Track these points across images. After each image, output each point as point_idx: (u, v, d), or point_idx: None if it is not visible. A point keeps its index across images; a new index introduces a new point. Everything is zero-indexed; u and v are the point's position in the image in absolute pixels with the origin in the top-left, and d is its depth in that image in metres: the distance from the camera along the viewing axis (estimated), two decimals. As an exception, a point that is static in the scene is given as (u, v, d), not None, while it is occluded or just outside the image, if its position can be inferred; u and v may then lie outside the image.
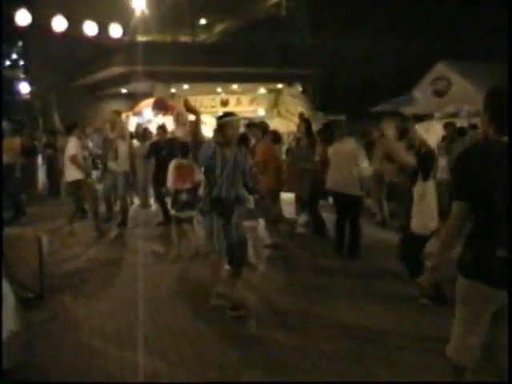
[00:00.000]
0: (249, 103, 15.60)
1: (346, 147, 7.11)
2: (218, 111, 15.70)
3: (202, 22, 25.82)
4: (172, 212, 8.02)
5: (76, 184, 8.74)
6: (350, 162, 6.97)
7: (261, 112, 15.80)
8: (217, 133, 5.21)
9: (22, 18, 12.59)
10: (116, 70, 18.87)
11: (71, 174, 8.69)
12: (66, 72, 21.13)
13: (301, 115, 11.27)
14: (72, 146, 8.69)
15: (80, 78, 21.44)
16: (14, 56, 39.82)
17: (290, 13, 22.71)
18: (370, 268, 6.73)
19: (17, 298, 3.77)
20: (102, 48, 19.41)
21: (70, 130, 9.02)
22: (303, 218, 9.16)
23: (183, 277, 6.58)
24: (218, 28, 25.36)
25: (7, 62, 47.75)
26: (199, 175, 7.04)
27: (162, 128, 10.67)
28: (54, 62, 21.09)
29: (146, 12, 20.06)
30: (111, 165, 9.75)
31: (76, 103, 20.67)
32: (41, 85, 22.49)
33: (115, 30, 15.64)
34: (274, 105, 15.28)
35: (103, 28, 15.38)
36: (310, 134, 8.76)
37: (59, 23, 13.48)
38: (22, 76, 29.82)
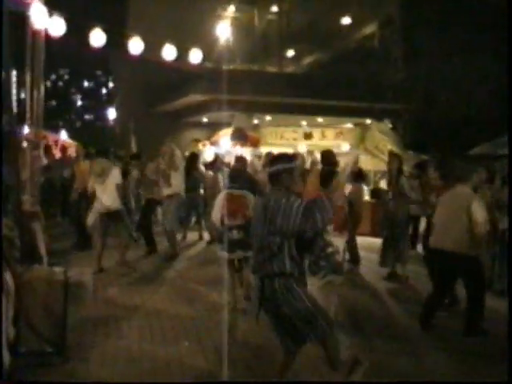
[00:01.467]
0: (334, 137, 14.28)
1: (457, 194, 5.63)
2: (300, 144, 14.55)
3: (290, 53, 24.91)
4: (219, 252, 6.74)
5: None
6: (460, 214, 5.46)
7: (345, 147, 14.43)
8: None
9: (98, 38, 11.97)
10: (196, 97, 18.16)
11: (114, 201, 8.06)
12: (146, 98, 20.70)
13: (391, 152, 9.94)
14: (116, 174, 8.14)
15: (160, 104, 20.95)
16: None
17: (383, 43, 21.44)
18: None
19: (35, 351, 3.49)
20: (184, 75, 18.85)
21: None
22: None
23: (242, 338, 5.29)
24: (307, 60, 24.38)
25: (103, 90, 49.44)
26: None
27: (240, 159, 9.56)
28: (135, 87, 20.78)
29: (231, 40, 19.50)
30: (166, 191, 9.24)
31: (155, 131, 20.12)
32: (122, 111, 22.27)
33: (195, 56, 14.90)
34: (361, 140, 13.89)
35: (183, 53, 14.69)
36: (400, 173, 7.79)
37: (136, 46, 12.76)
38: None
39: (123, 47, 14.25)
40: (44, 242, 6.72)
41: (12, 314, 3.70)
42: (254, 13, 23.33)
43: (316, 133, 14.53)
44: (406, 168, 8.50)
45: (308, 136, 14.62)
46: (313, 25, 21.61)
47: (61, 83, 48.73)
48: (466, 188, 5.62)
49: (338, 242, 5.41)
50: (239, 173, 6.95)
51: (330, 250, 5.15)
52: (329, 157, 7.59)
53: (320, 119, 16.94)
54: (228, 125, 17.95)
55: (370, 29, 22.68)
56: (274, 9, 23.57)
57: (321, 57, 22.82)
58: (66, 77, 48.91)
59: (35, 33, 7.48)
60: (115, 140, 23.69)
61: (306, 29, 22.60)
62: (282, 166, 3.76)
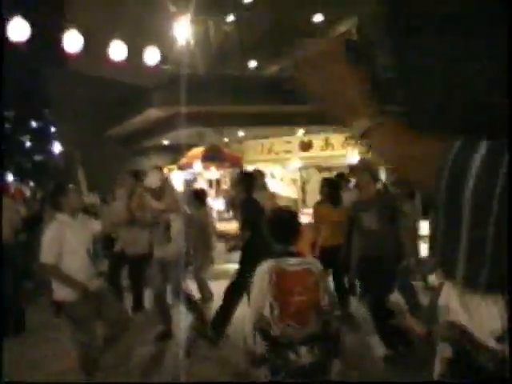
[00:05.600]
0: (342, 145, 10.85)
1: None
2: (295, 158, 11.23)
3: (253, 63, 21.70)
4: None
5: None
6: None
7: (355, 157, 11.16)
8: None
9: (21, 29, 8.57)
10: (153, 113, 14.67)
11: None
12: (93, 121, 16.97)
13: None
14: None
15: (111, 127, 17.29)
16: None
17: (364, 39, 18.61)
18: None
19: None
20: (137, 89, 15.41)
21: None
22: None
23: None
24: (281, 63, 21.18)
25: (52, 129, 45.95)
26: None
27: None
28: (78, 109, 17.11)
29: (191, 43, 16.18)
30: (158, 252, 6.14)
31: (106, 159, 16.47)
32: (65, 140, 18.57)
33: (152, 56, 11.59)
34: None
35: (135, 52, 11.34)
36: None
37: (73, 41, 9.34)
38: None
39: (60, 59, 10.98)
40: None
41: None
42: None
43: (317, 141, 11.12)
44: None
45: (306, 146, 11.25)
46: (283, 24, 18.55)
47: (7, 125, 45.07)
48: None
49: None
50: (289, 221, 3.56)
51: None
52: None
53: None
54: (196, 146, 14.54)
55: (346, 25, 19.85)
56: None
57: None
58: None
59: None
60: (61, 176, 20.07)
61: (275, 30, 19.60)
62: None
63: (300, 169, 11.71)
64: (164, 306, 6.25)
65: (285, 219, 3.49)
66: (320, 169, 13.22)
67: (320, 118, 12.04)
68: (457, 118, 16.10)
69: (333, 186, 6.91)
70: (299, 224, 3.54)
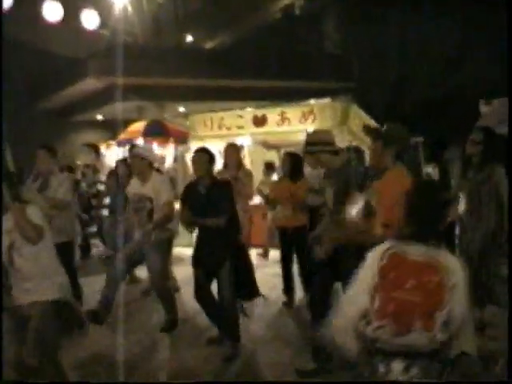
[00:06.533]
0: (300, 120, 10.06)
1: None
2: (248, 133, 10.47)
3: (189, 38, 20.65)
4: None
5: None
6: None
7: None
8: None
9: None
10: (89, 83, 13.56)
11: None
12: (22, 93, 15.57)
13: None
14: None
15: (43, 100, 15.95)
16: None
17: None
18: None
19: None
20: (71, 57, 14.22)
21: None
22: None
23: None
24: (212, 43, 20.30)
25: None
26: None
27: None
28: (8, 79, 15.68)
29: (130, 10, 15.09)
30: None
31: (35, 135, 15.16)
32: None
33: (89, 19, 10.58)
34: (343, 120, 9.67)
35: (71, 14, 10.29)
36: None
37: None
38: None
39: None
40: None
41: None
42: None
43: (272, 115, 10.28)
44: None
45: (260, 121, 10.47)
46: None
47: None
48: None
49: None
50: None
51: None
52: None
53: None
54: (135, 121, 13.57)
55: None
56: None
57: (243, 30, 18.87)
58: None
59: None
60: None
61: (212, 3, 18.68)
62: None
63: (248, 146, 11.01)
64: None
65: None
66: (268, 146, 12.61)
67: (269, 93, 11.43)
68: (410, 97, 15.94)
69: (295, 161, 6.35)
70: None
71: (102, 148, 12.54)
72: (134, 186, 5.68)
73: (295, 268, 6.57)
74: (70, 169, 9.87)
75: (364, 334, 2.42)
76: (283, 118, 10.10)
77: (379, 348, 2.39)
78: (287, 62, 14.97)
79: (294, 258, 6.52)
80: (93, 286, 6.24)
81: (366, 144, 8.83)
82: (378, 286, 2.46)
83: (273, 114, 10.24)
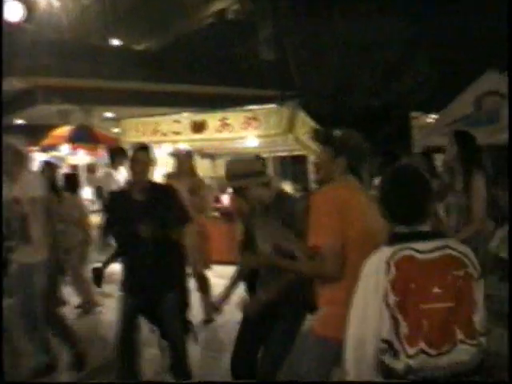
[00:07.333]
0: (242, 126, 9.34)
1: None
2: (186, 140, 9.67)
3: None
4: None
5: None
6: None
7: (252, 142, 9.78)
8: None
9: None
10: (9, 84, 12.45)
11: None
12: None
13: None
14: None
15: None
16: None
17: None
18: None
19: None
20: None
21: None
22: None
23: None
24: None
25: None
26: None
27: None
28: None
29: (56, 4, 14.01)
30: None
31: None
32: None
33: (13, 11, 9.58)
34: (289, 127, 9.02)
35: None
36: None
37: None
38: None
39: None
40: None
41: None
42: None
43: (212, 121, 9.48)
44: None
45: (199, 127, 9.67)
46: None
47: None
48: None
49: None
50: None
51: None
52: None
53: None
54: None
55: (224, 2, 18.66)
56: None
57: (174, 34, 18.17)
58: None
59: None
60: None
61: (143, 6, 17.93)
62: None
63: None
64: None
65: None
66: (202, 154, 11.89)
67: (205, 99, 10.76)
68: (354, 104, 15.79)
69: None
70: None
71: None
72: None
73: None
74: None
75: (395, 371, 1.86)
76: (224, 124, 9.43)
77: (422, 377, 1.86)
78: (221, 68, 14.52)
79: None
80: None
81: (313, 153, 8.34)
82: (397, 306, 1.87)
83: (213, 120, 9.54)
